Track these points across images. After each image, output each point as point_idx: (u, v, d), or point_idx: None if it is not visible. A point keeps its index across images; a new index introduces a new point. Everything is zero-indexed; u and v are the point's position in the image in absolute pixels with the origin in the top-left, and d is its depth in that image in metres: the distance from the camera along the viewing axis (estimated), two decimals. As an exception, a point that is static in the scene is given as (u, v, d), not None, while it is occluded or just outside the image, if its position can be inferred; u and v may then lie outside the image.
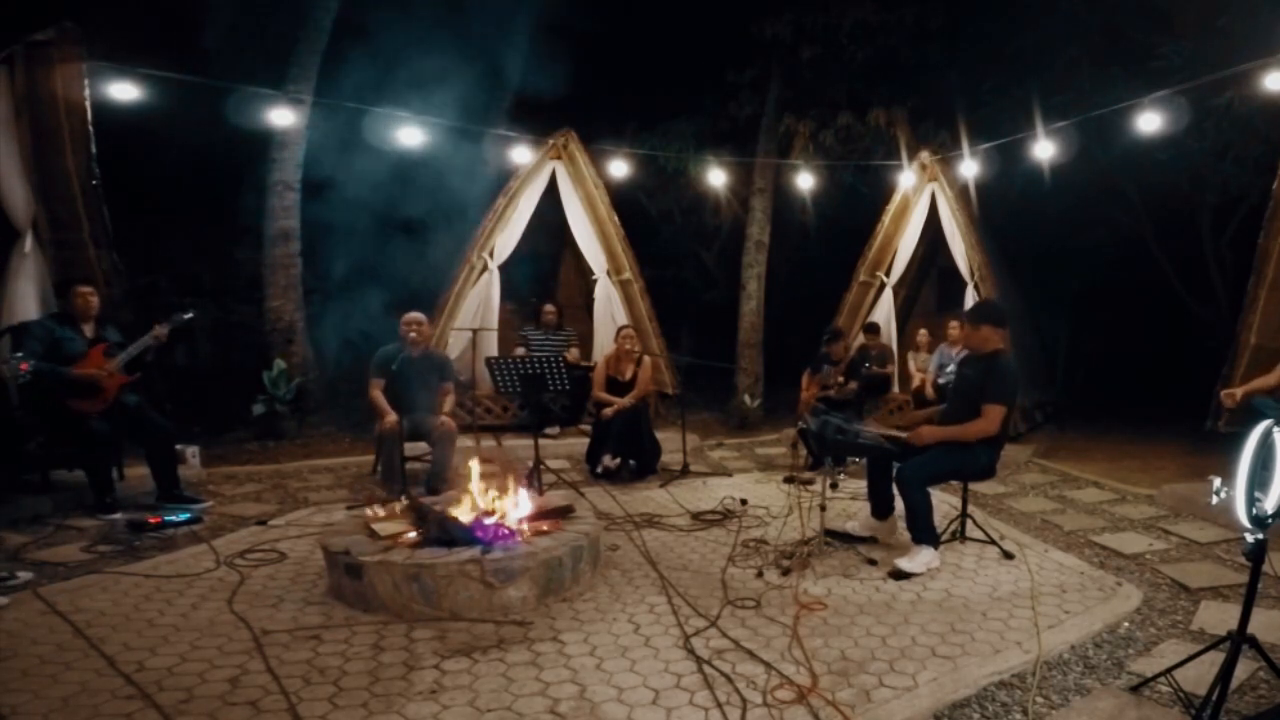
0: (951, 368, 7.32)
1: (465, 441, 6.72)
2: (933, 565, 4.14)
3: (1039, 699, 2.86)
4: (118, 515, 4.90)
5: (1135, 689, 2.86)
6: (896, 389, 8.77)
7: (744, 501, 5.57)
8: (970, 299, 8.17)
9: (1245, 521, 2.46)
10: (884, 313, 9.12)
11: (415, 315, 5.90)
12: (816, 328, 7.64)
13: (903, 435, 4.35)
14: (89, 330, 5.17)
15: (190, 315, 5.51)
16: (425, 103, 7.70)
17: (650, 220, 11.98)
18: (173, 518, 4.88)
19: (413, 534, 3.84)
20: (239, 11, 8.70)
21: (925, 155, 8.65)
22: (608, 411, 6.40)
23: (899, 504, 4.34)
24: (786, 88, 10.23)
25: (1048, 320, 11.44)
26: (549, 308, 8.15)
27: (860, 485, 4.92)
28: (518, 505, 4.13)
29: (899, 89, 9.90)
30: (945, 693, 2.87)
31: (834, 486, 5.98)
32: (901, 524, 4.40)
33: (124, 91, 6.04)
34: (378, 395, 5.68)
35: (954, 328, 9.00)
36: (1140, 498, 5.84)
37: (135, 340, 5.16)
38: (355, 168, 8.70)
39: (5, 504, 4.90)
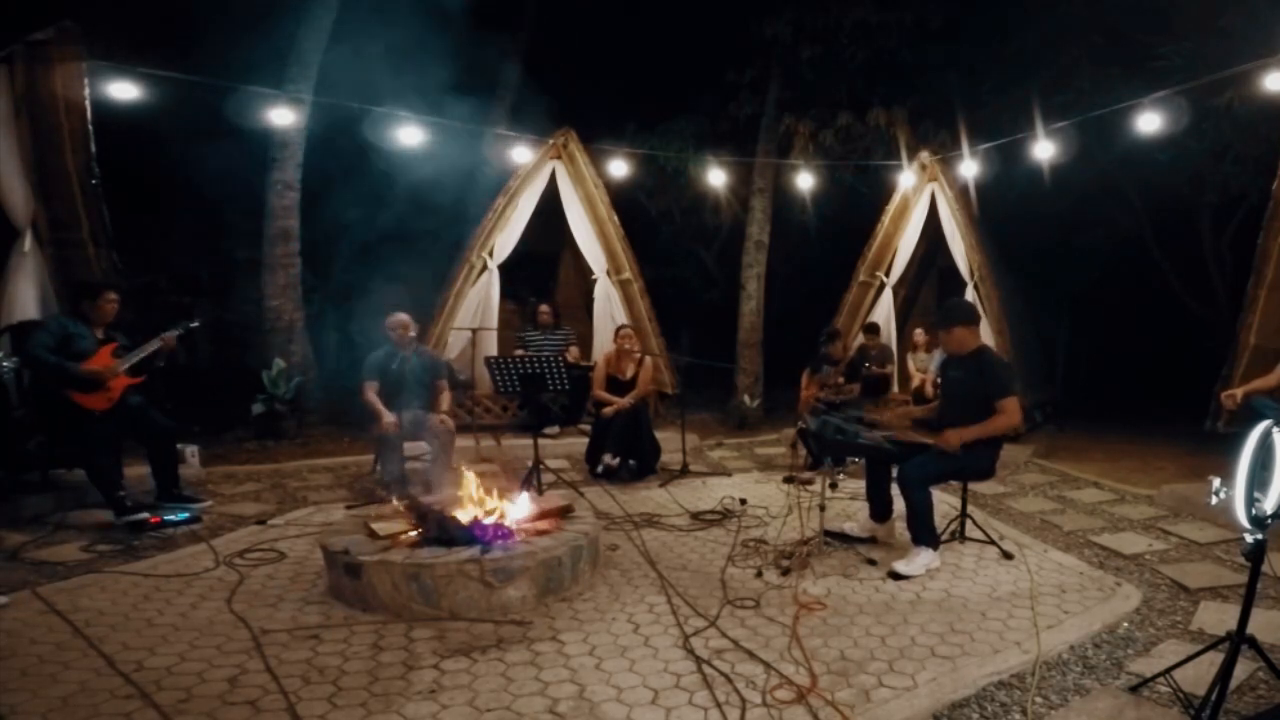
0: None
1: (465, 441, 6.73)
2: (932, 566, 4.14)
3: (1038, 699, 2.86)
4: (143, 515, 4.80)
5: (1134, 689, 2.86)
6: (896, 389, 8.77)
7: (743, 501, 5.57)
8: (970, 299, 8.16)
9: (1244, 522, 2.46)
10: (884, 313, 9.12)
11: (402, 318, 5.83)
12: (816, 328, 7.63)
13: (929, 440, 4.27)
14: (100, 333, 5.17)
15: (196, 324, 5.57)
16: (424, 101, 7.69)
17: (650, 220, 11.98)
18: (172, 517, 4.88)
19: (412, 534, 3.84)
20: (239, 10, 8.70)
21: (925, 155, 8.66)
22: (608, 410, 6.40)
23: (899, 505, 4.33)
24: (786, 88, 10.23)
25: (1048, 320, 11.44)
26: (544, 307, 8.15)
27: (860, 485, 4.92)
28: (516, 505, 4.14)
29: (899, 89, 9.90)
30: (944, 693, 2.87)
31: (833, 486, 5.98)
32: (901, 525, 4.40)
33: (124, 91, 6.04)
34: (372, 397, 5.66)
35: (919, 334, 9.03)
36: (1140, 498, 5.84)
37: (140, 344, 5.18)
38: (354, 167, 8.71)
39: (5, 504, 4.89)
